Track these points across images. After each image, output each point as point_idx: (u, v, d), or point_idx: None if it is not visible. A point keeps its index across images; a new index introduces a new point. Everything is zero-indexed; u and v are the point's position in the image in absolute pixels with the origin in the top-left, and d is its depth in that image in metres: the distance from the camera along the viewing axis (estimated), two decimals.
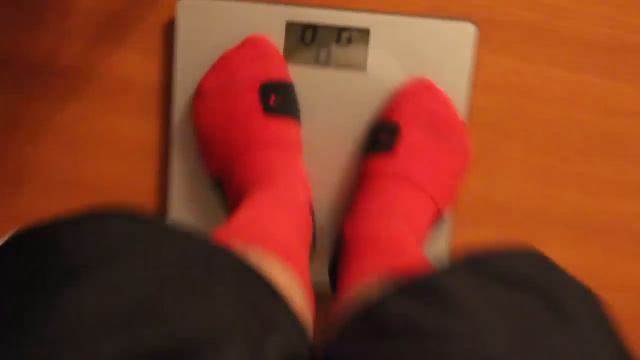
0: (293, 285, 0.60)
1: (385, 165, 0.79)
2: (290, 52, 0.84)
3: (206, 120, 0.80)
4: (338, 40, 0.82)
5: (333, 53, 0.83)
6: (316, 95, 0.85)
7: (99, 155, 0.82)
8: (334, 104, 0.84)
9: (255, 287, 0.50)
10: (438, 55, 0.83)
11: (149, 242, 0.47)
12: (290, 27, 0.84)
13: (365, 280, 0.62)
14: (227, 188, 0.78)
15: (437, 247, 0.84)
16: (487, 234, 0.85)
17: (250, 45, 0.82)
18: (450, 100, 0.84)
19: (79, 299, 0.42)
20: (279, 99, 0.78)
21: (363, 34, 0.83)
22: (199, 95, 0.82)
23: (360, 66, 0.83)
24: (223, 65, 0.81)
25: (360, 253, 0.68)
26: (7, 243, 0.45)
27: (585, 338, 0.46)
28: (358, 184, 0.82)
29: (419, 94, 0.82)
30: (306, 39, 0.84)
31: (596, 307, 0.49)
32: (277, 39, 0.84)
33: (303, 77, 0.85)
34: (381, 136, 0.80)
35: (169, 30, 0.88)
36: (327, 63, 0.84)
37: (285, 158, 0.76)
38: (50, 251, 0.45)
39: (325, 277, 0.81)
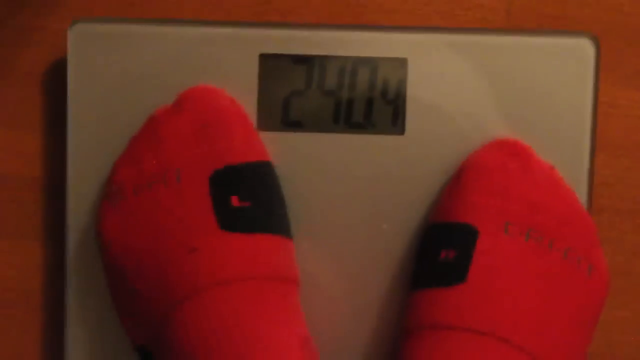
0: None
1: (450, 309, 0.50)
2: (268, 111, 0.55)
3: (121, 243, 0.53)
4: (343, 80, 0.54)
5: (339, 105, 0.54)
6: (317, 184, 0.55)
7: None
8: (349, 200, 0.55)
9: None
10: (532, 95, 0.54)
11: None
12: (268, 62, 0.54)
13: None
14: None
15: None
16: None
17: (188, 106, 0.53)
18: (560, 178, 0.53)
19: None
20: (248, 198, 0.52)
21: (395, 68, 0.54)
22: (108, 199, 0.54)
23: (392, 125, 0.54)
24: (144, 144, 0.54)
25: None
26: None
27: None
28: (402, 341, 0.52)
29: (505, 170, 0.52)
30: (295, 82, 0.54)
31: None
32: (243, 88, 0.55)
33: (293, 154, 0.55)
34: (442, 252, 0.51)
35: (53, 80, 0.58)
36: (331, 124, 0.55)
37: (264, 306, 0.50)
38: None
39: None
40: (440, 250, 0.51)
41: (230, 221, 0.50)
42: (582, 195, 0.53)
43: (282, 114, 0.54)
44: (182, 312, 0.49)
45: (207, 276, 0.49)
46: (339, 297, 0.55)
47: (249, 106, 0.54)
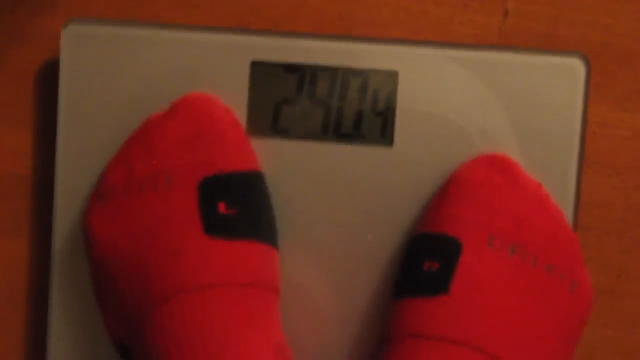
0: None
1: (432, 319, 0.50)
2: (258, 117, 0.54)
3: (107, 241, 0.53)
4: (333, 91, 0.54)
5: (328, 115, 0.54)
6: (303, 192, 0.55)
7: None
8: (335, 209, 0.55)
9: None
10: (521, 112, 0.54)
11: None
12: (259, 70, 0.54)
13: None
14: None
15: None
16: None
17: (183, 113, 0.53)
18: (546, 195, 0.53)
19: None
20: (235, 205, 0.52)
21: (386, 80, 0.54)
22: (97, 198, 0.54)
23: (381, 137, 0.54)
24: (137, 147, 0.54)
25: None
26: None
27: None
28: (383, 348, 0.52)
29: (491, 185, 0.52)
30: (286, 90, 0.54)
31: None
32: (234, 94, 0.54)
33: (281, 162, 0.55)
34: (426, 263, 0.51)
35: (46, 79, 0.57)
36: (320, 134, 0.55)
37: (242, 312, 0.50)
38: None
39: None
40: (424, 260, 0.51)
41: (215, 227, 0.50)
42: (568, 214, 0.53)
43: (272, 121, 0.54)
44: (160, 313, 0.49)
45: (188, 280, 0.49)
46: (323, 305, 0.55)
47: (239, 112, 0.54)
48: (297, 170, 0.54)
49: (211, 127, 0.53)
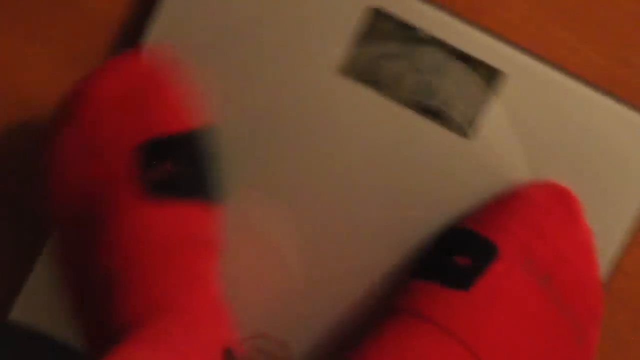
0: None
1: (442, 306, 0.50)
2: (355, 60, 0.53)
3: (62, 201, 0.53)
4: (437, 66, 0.53)
5: (421, 85, 0.53)
6: (366, 148, 0.54)
7: None
8: (387, 177, 0.54)
9: None
10: (601, 158, 0.53)
11: None
12: (376, 16, 0.53)
13: None
14: None
15: None
16: None
17: (114, 73, 0.52)
18: (593, 243, 0.52)
19: None
20: (175, 166, 0.51)
21: (488, 77, 0.53)
22: (51, 162, 0.53)
23: (463, 127, 0.53)
24: (68, 117, 0.52)
25: None
26: None
27: None
28: (384, 318, 0.51)
29: (548, 212, 0.52)
30: (392, 45, 0.53)
31: None
32: (341, 30, 0.53)
33: (357, 110, 0.54)
34: (459, 256, 0.51)
35: None
36: (406, 98, 0.53)
37: (182, 271, 0.50)
38: None
39: None
40: (458, 252, 0.50)
41: (153, 188, 0.50)
42: (603, 272, 0.53)
43: (367, 69, 0.53)
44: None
45: (126, 242, 0.50)
46: (323, 267, 0.54)
47: (341, 48, 0.53)
48: (368, 124, 0.53)
49: (144, 88, 0.52)
